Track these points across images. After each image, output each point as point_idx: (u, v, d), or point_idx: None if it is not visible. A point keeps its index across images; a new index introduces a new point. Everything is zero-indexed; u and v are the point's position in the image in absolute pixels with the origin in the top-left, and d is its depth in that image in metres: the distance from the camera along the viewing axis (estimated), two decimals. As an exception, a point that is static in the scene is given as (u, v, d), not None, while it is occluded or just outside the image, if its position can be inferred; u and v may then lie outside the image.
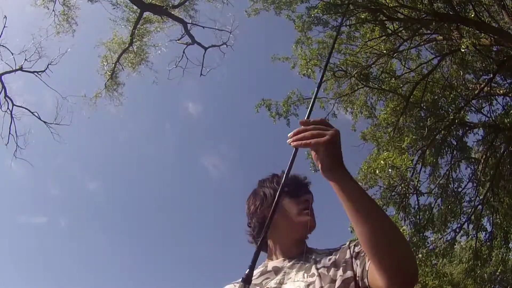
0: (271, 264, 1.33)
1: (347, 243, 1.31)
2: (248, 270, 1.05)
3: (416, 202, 7.64)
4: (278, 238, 1.38)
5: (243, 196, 1.54)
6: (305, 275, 1.23)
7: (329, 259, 1.26)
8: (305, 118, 1.16)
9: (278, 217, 1.31)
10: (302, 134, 1.09)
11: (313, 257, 1.30)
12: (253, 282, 1.29)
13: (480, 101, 8.40)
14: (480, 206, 7.94)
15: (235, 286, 1.35)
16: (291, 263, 1.30)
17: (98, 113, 10.83)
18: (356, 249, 1.23)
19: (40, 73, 9.57)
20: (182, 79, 10.73)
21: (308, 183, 1.46)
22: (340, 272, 1.19)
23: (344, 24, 7.91)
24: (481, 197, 8.00)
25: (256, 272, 1.35)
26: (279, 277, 1.27)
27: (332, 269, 1.21)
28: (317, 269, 1.23)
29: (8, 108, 9.59)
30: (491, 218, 8.12)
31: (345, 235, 7.14)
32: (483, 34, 7.23)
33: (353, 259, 1.21)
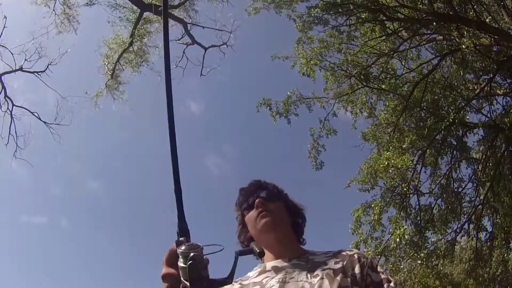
0: (270, 264, 1.33)
1: (354, 252, 1.30)
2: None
3: (417, 202, 7.64)
4: (264, 246, 1.38)
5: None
6: (309, 275, 1.21)
7: (336, 263, 1.24)
8: None
9: (250, 231, 1.41)
10: None
11: (314, 258, 1.29)
12: (252, 281, 1.31)
13: (480, 101, 8.39)
14: (480, 206, 7.94)
15: (233, 285, 1.33)
16: (291, 263, 1.29)
17: (100, 113, 10.80)
18: (372, 274, 1.22)
19: (40, 73, 9.56)
20: (182, 79, 10.70)
21: (256, 184, 1.47)
22: (347, 282, 1.18)
23: (344, 24, 7.93)
24: (481, 197, 7.99)
25: (253, 273, 1.36)
26: (280, 275, 1.25)
27: (341, 275, 1.19)
28: (323, 270, 1.21)
29: (8, 108, 9.59)
30: (492, 218, 8.11)
31: (345, 235, 7.14)
32: (483, 34, 7.23)
33: (372, 287, 1.20)
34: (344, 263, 1.24)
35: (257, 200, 1.38)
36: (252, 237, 1.42)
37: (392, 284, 1.20)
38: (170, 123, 1.07)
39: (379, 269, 1.25)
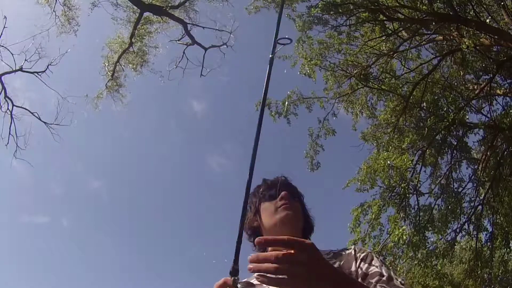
0: None
1: (352, 249, 1.28)
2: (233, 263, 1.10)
3: (416, 203, 7.64)
4: None
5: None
6: None
7: (333, 263, 1.23)
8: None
9: (262, 222, 1.41)
10: (265, 266, 0.86)
11: None
12: (253, 282, 1.31)
13: (480, 101, 8.39)
14: (480, 207, 7.93)
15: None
16: None
17: (101, 113, 10.84)
18: (363, 267, 1.19)
19: (40, 73, 9.58)
20: (183, 79, 10.73)
21: (283, 180, 1.48)
22: None
23: (344, 24, 7.92)
24: (481, 197, 7.99)
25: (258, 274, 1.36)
26: (278, 280, 1.25)
27: None
28: None
29: (8, 108, 9.60)
30: (492, 218, 8.10)
31: (344, 234, 7.14)
32: (483, 34, 7.23)
33: (360, 279, 1.16)
34: (342, 262, 1.23)
35: (284, 192, 1.40)
36: (259, 227, 1.42)
37: (384, 278, 1.13)
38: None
39: (374, 262, 1.21)
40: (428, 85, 8.07)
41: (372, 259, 1.23)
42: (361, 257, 1.23)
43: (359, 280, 1.16)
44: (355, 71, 8.01)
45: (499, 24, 7.74)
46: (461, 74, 8.48)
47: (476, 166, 8.25)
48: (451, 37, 7.76)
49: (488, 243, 7.99)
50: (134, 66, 10.63)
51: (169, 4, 10.16)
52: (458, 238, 7.96)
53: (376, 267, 1.19)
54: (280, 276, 0.85)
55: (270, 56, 1.51)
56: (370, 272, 1.17)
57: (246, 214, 1.41)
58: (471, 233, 7.92)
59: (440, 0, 7.70)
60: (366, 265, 1.20)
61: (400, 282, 1.16)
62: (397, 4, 7.55)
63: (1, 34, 8.93)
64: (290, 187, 1.47)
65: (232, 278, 1.07)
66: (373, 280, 1.14)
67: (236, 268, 1.11)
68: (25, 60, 9.40)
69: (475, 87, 8.41)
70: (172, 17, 10.22)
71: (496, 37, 7.26)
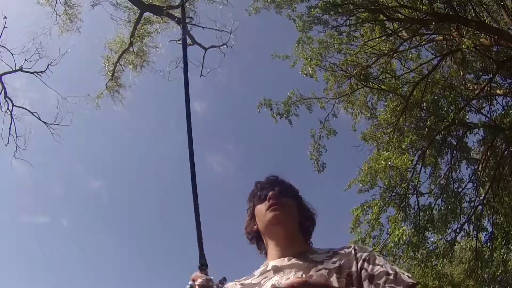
0: (271, 263, 1.32)
1: (352, 248, 1.28)
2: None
3: (416, 203, 7.64)
4: (268, 241, 1.40)
5: (247, 195, 1.55)
6: (303, 276, 1.20)
7: (333, 262, 1.22)
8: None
9: (258, 225, 1.42)
10: None
11: (314, 257, 1.28)
12: (252, 282, 1.32)
13: (480, 101, 8.39)
14: (480, 207, 7.94)
15: (236, 284, 1.35)
16: (290, 262, 1.28)
17: (102, 113, 10.84)
18: (368, 268, 1.19)
19: (40, 73, 9.58)
20: (182, 80, 10.70)
21: (273, 180, 1.47)
22: (342, 283, 1.16)
23: (344, 24, 7.93)
24: (481, 197, 8.00)
25: (257, 272, 1.36)
26: (277, 277, 1.25)
27: (334, 275, 1.17)
28: (318, 270, 1.20)
29: (8, 108, 9.60)
30: (492, 218, 8.11)
31: (345, 235, 7.15)
32: (483, 34, 7.24)
33: (367, 281, 1.16)
34: (342, 262, 1.22)
35: (270, 193, 1.39)
36: (258, 230, 1.43)
37: (391, 277, 1.14)
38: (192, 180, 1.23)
39: (377, 261, 1.20)
40: (428, 85, 8.07)
41: (375, 259, 1.22)
42: (362, 257, 1.22)
43: (366, 282, 1.16)
44: (355, 71, 8.01)
45: (499, 24, 7.75)
46: (461, 74, 8.49)
47: (476, 166, 8.26)
48: (451, 37, 7.77)
49: (488, 243, 7.99)
50: (134, 66, 10.64)
51: (169, 4, 10.16)
52: (458, 238, 7.98)
53: (381, 266, 1.18)
54: None
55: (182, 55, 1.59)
56: (376, 273, 1.16)
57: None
58: (471, 233, 7.92)
59: (440, 0, 7.71)
60: (371, 266, 1.19)
61: (408, 275, 1.16)
62: (397, 4, 7.56)
63: (1, 34, 8.93)
64: (281, 185, 1.45)
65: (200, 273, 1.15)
66: (381, 281, 1.14)
67: (202, 262, 1.18)
68: (25, 60, 9.41)
69: (475, 87, 8.42)
70: (172, 17, 10.21)
71: (496, 37, 7.26)
